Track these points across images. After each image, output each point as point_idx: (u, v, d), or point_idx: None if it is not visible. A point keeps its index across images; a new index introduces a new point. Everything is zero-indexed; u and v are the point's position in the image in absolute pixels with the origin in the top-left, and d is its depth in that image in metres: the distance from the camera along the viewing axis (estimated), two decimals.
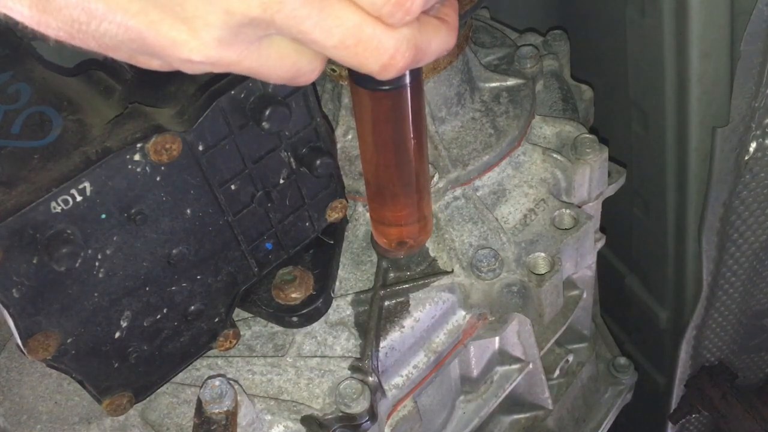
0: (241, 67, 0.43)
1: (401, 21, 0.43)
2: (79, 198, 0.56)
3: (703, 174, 1.08)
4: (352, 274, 0.82)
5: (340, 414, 0.71)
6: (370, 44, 0.43)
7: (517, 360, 0.98)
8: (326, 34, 0.41)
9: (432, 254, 0.83)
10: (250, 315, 0.79)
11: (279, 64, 0.44)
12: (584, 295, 1.05)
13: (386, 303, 0.80)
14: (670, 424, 1.49)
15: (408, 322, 0.79)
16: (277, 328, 0.78)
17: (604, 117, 1.15)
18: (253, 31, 0.41)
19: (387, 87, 0.64)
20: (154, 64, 0.43)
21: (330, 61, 0.46)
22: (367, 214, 0.85)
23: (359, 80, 0.64)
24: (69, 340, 0.61)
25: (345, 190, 0.79)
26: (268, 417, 0.72)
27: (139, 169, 0.59)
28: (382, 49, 0.43)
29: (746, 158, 1.06)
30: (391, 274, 0.82)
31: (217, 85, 0.61)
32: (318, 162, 0.69)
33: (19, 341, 0.59)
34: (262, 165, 0.68)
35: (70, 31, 0.39)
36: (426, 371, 0.82)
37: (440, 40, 0.48)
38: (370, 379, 0.74)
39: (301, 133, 0.69)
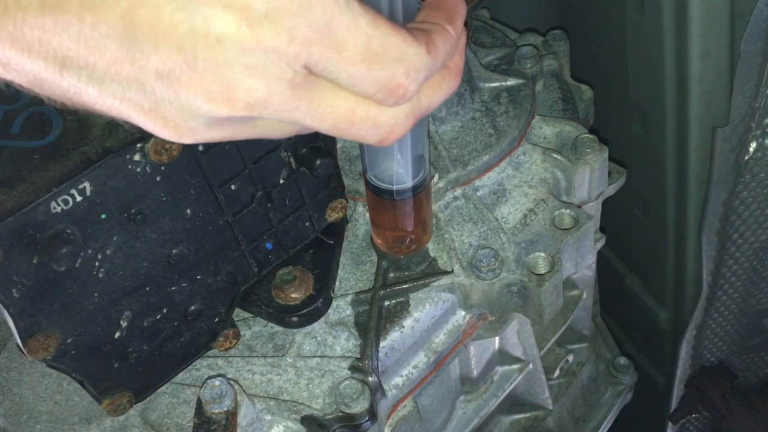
0: (237, 138, 0.42)
1: (396, 104, 0.41)
2: (79, 198, 0.56)
3: (703, 174, 1.08)
4: (352, 274, 0.82)
5: (340, 414, 0.71)
6: (364, 125, 0.42)
7: (517, 360, 0.98)
8: (318, 121, 0.40)
9: (432, 254, 0.83)
10: (250, 315, 0.79)
11: (275, 132, 0.44)
12: (584, 295, 1.05)
13: (386, 303, 0.79)
14: (670, 424, 1.49)
15: (408, 322, 0.79)
16: (277, 328, 0.78)
17: (604, 117, 1.15)
18: (241, 120, 0.40)
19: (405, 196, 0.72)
20: None
21: None
22: (367, 215, 0.85)
23: (377, 192, 0.73)
24: (69, 340, 0.61)
25: (345, 190, 0.79)
26: (268, 417, 0.72)
27: (139, 169, 0.59)
28: (379, 127, 0.42)
29: (746, 158, 1.06)
30: (391, 274, 0.82)
31: None
32: (318, 162, 0.69)
33: (19, 341, 0.59)
34: (262, 165, 0.68)
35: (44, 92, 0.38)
36: (426, 371, 0.82)
37: (444, 92, 0.46)
38: (370, 379, 0.74)
39: (301, 133, 0.69)
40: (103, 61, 0.35)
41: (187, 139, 0.40)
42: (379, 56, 0.38)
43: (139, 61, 0.35)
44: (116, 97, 0.37)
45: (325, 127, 0.41)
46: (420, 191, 0.74)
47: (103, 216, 0.58)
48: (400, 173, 0.72)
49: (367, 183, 0.74)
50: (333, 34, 0.36)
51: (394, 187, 0.72)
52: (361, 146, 0.72)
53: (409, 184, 0.72)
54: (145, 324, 0.67)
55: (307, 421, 0.72)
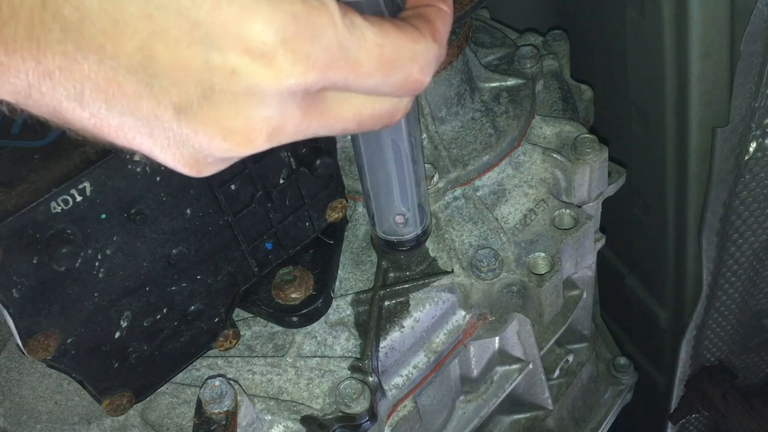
0: None
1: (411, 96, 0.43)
2: (79, 198, 0.56)
3: (703, 174, 1.08)
4: (352, 274, 0.82)
5: (340, 414, 0.71)
6: (371, 120, 0.42)
7: (517, 360, 0.98)
8: (328, 131, 0.41)
9: (432, 254, 0.83)
10: (250, 315, 0.79)
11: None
12: (584, 295, 1.05)
13: (386, 303, 0.79)
14: (670, 424, 1.49)
15: (408, 322, 0.79)
16: (277, 328, 0.78)
17: (604, 117, 1.15)
18: None
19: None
20: None
21: None
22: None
23: (389, 245, 0.80)
24: (69, 340, 0.61)
25: (345, 190, 0.79)
26: (268, 417, 0.72)
27: (139, 169, 0.59)
28: (384, 117, 0.43)
29: (746, 158, 1.06)
30: (391, 274, 0.82)
31: None
32: (318, 162, 0.69)
33: (19, 341, 0.59)
34: (262, 165, 0.68)
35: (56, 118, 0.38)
36: (426, 371, 0.82)
37: (438, 66, 0.47)
38: (370, 379, 0.74)
39: None
40: (121, 94, 0.35)
41: (207, 173, 0.41)
42: (393, 62, 0.39)
43: (158, 96, 0.35)
44: (135, 131, 0.37)
45: (334, 133, 0.42)
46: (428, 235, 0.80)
47: (103, 216, 0.58)
48: (408, 224, 0.76)
49: (379, 240, 0.79)
50: (347, 54, 0.37)
51: (405, 237, 0.77)
52: (367, 205, 0.76)
53: (419, 230, 0.77)
54: (145, 324, 0.67)
55: (307, 421, 0.72)
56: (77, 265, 0.58)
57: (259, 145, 0.38)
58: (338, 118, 0.40)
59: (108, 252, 0.60)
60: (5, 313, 0.57)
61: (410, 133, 0.67)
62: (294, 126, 0.38)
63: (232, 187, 0.67)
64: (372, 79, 0.38)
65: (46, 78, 0.35)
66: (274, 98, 0.36)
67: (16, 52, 0.34)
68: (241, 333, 0.77)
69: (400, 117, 0.44)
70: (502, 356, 0.98)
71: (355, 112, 0.41)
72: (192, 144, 0.37)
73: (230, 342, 0.74)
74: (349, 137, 0.86)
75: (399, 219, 0.75)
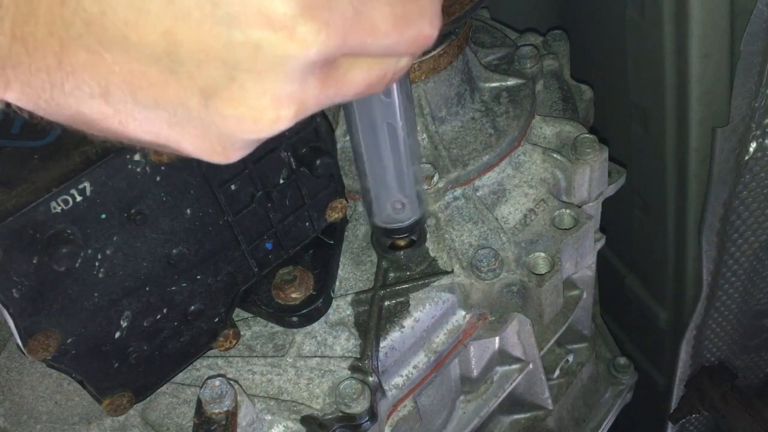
0: None
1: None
2: (79, 198, 0.56)
3: (703, 174, 1.08)
4: (352, 274, 0.82)
5: (340, 414, 0.71)
6: (379, 81, 0.42)
7: (517, 360, 0.98)
8: (341, 98, 0.41)
9: (432, 254, 0.83)
10: (250, 315, 0.79)
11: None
12: (584, 295, 1.05)
13: (386, 303, 0.79)
14: (670, 424, 1.49)
15: (408, 322, 0.79)
16: (277, 328, 0.78)
17: (604, 117, 1.15)
18: None
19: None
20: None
21: None
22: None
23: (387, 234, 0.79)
24: (69, 340, 0.61)
25: (345, 190, 0.79)
26: (268, 417, 0.72)
27: (139, 169, 0.59)
28: (388, 75, 0.43)
29: (746, 158, 1.06)
30: (391, 274, 0.82)
31: None
32: (318, 162, 0.69)
33: (19, 341, 0.59)
34: (262, 165, 0.68)
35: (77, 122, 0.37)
36: (426, 371, 0.82)
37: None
38: (370, 379, 0.74)
39: (301, 133, 0.69)
40: (147, 85, 0.35)
41: (235, 159, 0.41)
42: (405, 19, 0.39)
43: (183, 81, 0.35)
44: (163, 123, 0.37)
45: (346, 99, 0.42)
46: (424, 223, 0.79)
47: (103, 216, 0.58)
48: (407, 210, 0.76)
49: (377, 229, 0.79)
50: (363, 17, 0.36)
51: (405, 224, 0.77)
52: (364, 198, 0.76)
53: (417, 215, 0.77)
54: (145, 324, 0.67)
55: (307, 421, 0.72)
56: (77, 265, 0.58)
57: (287, 122, 0.37)
58: (351, 84, 0.40)
59: (108, 252, 0.60)
60: (5, 313, 0.57)
61: (405, 116, 0.67)
62: (315, 98, 0.38)
63: (232, 187, 0.67)
64: (388, 39, 0.38)
65: (69, 76, 0.34)
66: (298, 71, 0.36)
67: (38, 50, 0.33)
68: (241, 333, 0.77)
69: (401, 73, 0.44)
70: (502, 356, 0.98)
71: (365, 75, 0.41)
72: (221, 129, 0.37)
73: (230, 342, 0.74)
74: (348, 135, 0.87)
75: (396, 205, 0.75)
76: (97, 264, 0.60)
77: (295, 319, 0.76)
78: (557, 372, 1.12)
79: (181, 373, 0.74)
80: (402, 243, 0.82)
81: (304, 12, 0.34)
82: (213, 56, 0.34)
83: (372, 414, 0.71)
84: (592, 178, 0.90)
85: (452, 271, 0.80)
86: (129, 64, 0.34)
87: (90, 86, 0.34)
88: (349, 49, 0.37)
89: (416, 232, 0.79)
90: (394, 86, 0.64)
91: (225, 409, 0.66)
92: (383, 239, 0.81)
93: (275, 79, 0.35)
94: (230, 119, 0.36)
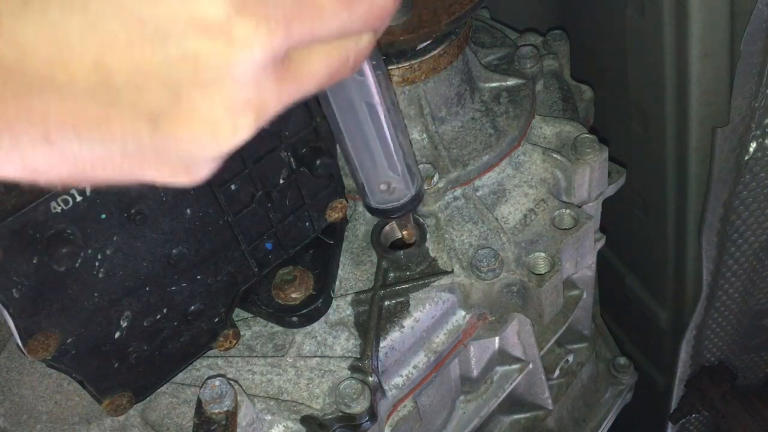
0: None
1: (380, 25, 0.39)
2: (79, 198, 0.56)
3: (703, 174, 1.08)
4: (352, 274, 0.82)
5: (340, 414, 0.71)
6: (341, 68, 0.39)
7: (517, 360, 0.98)
8: (303, 93, 0.38)
9: (432, 254, 0.83)
10: (250, 315, 0.79)
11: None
12: (584, 295, 1.05)
13: (386, 303, 0.79)
14: (670, 424, 1.49)
15: (408, 322, 0.79)
16: (277, 328, 0.78)
17: (604, 117, 1.15)
18: None
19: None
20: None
21: None
22: (368, 214, 0.85)
23: (384, 214, 0.74)
24: (69, 340, 0.61)
25: (345, 190, 0.79)
26: (268, 417, 0.72)
27: None
28: (350, 60, 0.39)
29: (746, 158, 1.06)
30: (391, 274, 0.82)
31: None
32: (318, 162, 0.69)
33: (19, 341, 0.59)
34: (262, 165, 0.68)
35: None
36: (426, 371, 0.82)
37: None
38: (370, 379, 0.74)
39: (301, 133, 0.69)
40: (88, 122, 0.32)
41: (204, 177, 0.38)
42: None
43: (126, 111, 0.32)
44: (116, 157, 0.34)
45: (309, 93, 0.38)
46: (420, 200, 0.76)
47: (103, 216, 0.58)
48: (400, 188, 0.72)
49: (373, 210, 0.75)
50: (304, 1, 0.34)
51: (400, 202, 0.73)
52: (355, 178, 0.73)
53: (412, 192, 0.73)
54: (145, 324, 0.67)
55: (307, 421, 0.72)
56: (77, 265, 0.58)
57: (248, 131, 0.35)
58: (311, 76, 0.37)
59: (108, 252, 0.60)
60: (5, 313, 0.57)
61: (383, 93, 0.64)
62: (273, 99, 0.35)
63: (232, 187, 0.66)
64: (337, 20, 0.35)
65: (4, 132, 0.31)
66: (247, 75, 0.33)
67: None
68: (241, 333, 0.77)
69: (366, 54, 0.40)
70: (502, 356, 0.98)
71: (325, 63, 0.38)
72: (178, 152, 0.34)
73: (230, 342, 0.74)
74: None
75: (386, 186, 0.72)
76: (97, 264, 0.60)
77: (295, 319, 0.76)
78: (557, 372, 1.12)
79: (181, 373, 0.74)
80: (405, 233, 0.80)
81: (238, 11, 0.31)
82: (151, 78, 0.31)
83: (372, 414, 0.71)
84: (592, 178, 0.90)
85: (452, 271, 0.80)
86: (64, 104, 0.31)
87: (29, 135, 0.32)
88: (297, 39, 0.34)
89: (414, 208, 0.75)
90: (365, 64, 0.61)
91: (225, 409, 0.66)
92: (382, 226, 0.78)
93: (224, 89, 0.33)
94: (185, 140, 0.34)
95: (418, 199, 0.74)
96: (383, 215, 0.75)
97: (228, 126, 0.34)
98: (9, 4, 0.29)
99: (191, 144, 0.34)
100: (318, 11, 0.34)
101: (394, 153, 0.69)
